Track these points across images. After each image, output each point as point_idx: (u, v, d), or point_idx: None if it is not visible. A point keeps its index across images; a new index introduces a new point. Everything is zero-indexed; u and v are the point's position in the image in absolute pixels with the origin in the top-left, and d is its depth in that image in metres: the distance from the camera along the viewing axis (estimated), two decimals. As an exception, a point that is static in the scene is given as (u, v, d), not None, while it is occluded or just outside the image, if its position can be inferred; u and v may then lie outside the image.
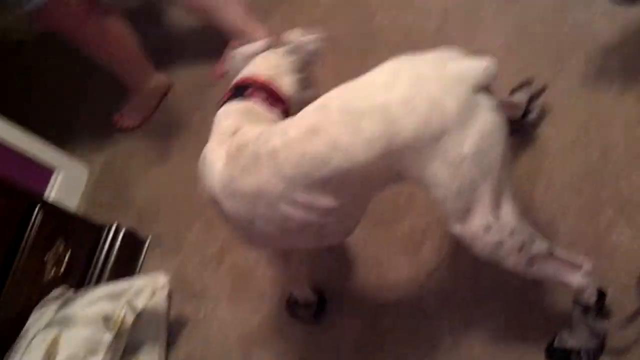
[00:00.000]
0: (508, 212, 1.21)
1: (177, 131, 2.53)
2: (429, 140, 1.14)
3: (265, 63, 1.54)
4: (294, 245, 1.52)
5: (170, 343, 1.97)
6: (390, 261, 1.78)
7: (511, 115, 1.62)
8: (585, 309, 1.34)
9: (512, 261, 1.24)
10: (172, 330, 1.99)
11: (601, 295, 1.35)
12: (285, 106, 1.49)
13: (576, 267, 1.30)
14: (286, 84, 1.51)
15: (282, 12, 2.60)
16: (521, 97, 1.71)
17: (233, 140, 1.37)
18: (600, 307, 1.35)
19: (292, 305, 1.80)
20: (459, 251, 1.67)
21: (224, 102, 1.48)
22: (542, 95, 1.74)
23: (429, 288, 1.68)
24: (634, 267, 1.44)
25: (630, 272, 1.43)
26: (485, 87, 1.19)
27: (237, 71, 1.55)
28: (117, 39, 2.44)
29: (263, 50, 1.58)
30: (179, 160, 2.43)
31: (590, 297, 1.32)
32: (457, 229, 1.23)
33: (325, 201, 1.25)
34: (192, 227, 2.22)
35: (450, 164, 1.15)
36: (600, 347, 1.37)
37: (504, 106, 1.22)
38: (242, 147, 1.33)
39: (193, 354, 1.94)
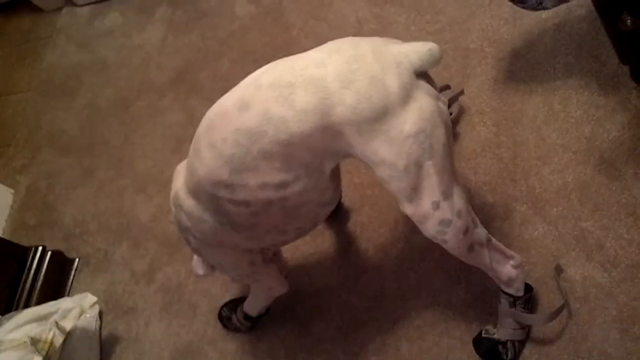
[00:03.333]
0: (456, 194, 1.24)
1: (101, 149, 2.51)
2: (370, 117, 1.15)
3: None
4: (278, 231, 1.44)
5: (103, 363, 1.95)
6: (318, 268, 1.81)
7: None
8: (513, 301, 1.39)
9: (457, 244, 1.28)
10: (105, 350, 1.97)
11: (528, 288, 1.42)
12: None
13: (507, 258, 1.36)
14: None
15: (201, 26, 2.61)
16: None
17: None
18: (527, 300, 1.41)
19: (226, 319, 1.80)
20: (383, 253, 1.73)
21: None
22: (459, 99, 1.82)
23: (357, 291, 1.71)
24: (549, 260, 1.51)
25: (546, 265, 1.50)
26: (426, 75, 1.22)
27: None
28: None
29: None
30: (104, 179, 2.41)
31: (519, 288, 1.38)
32: (409, 209, 1.24)
33: (273, 174, 1.24)
34: (121, 244, 2.20)
35: (393, 142, 1.16)
36: (525, 338, 1.44)
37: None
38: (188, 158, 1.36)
39: (126, 373, 1.92)
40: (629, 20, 1.31)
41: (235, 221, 1.35)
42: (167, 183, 1.50)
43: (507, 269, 1.36)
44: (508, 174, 1.67)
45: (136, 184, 2.32)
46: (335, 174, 1.42)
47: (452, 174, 1.24)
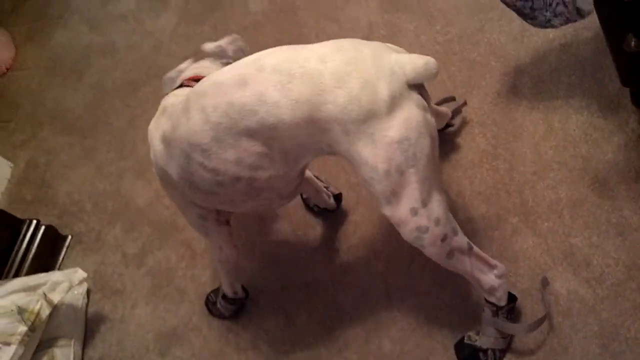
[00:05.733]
0: (435, 202, 1.26)
1: (104, 131, 2.52)
2: (357, 119, 1.19)
3: (201, 68, 1.65)
4: (231, 204, 1.50)
5: (86, 341, 1.96)
6: (308, 262, 1.83)
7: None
8: (496, 310, 1.41)
9: (435, 250, 1.31)
10: (90, 328, 1.99)
11: (512, 298, 1.43)
12: None
13: (491, 267, 1.38)
14: None
15: (214, 18, 2.63)
16: (445, 110, 1.79)
17: (166, 105, 1.49)
18: (510, 309, 1.43)
19: (212, 303, 1.82)
20: (374, 252, 1.75)
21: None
22: (462, 110, 1.84)
23: (344, 287, 1.73)
24: (536, 272, 1.53)
25: (533, 277, 1.52)
26: (421, 87, 1.25)
27: (170, 89, 1.64)
28: None
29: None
30: (104, 160, 2.42)
31: (501, 298, 1.40)
32: (387, 211, 1.27)
33: (251, 153, 1.29)
34: (115, 226, 2.21)
35: (376, 145, 1.19)
36: (506, 347, 1.46)
37: (432, 113, 1.28)
38: (173, 106, 1.43)
39: (108, 354, 1.93)
40: (633, 42, 1.33)
41: (196, 183, 1.41)
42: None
43: (489, 278, 1.37)
44: (503, 186, 1.69)
45: (136, 167, 2.33)
46: (303, 173, 1.48)
47: (434, 183, 1.26)
